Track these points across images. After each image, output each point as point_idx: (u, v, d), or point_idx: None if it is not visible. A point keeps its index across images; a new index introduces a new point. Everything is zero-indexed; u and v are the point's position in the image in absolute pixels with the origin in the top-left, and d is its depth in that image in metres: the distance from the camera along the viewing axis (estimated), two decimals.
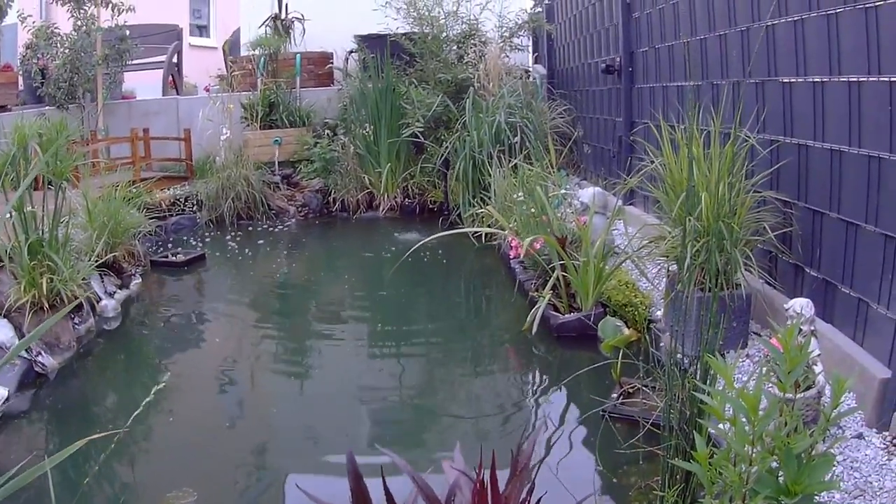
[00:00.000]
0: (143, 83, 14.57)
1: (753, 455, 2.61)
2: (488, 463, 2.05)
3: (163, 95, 14.05)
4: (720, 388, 2.91)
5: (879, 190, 4.32)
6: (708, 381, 3.21)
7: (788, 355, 2.65)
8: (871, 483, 3.61)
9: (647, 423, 4.12)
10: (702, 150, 5.32)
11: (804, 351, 2.69)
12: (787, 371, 2.66)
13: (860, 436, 4.03)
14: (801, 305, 4.23)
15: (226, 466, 4.43)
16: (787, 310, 4.28)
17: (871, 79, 4.37)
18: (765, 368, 3.51)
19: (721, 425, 2.78)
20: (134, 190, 8.56)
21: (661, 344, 5.23)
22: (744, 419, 2.62)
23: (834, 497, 3.50)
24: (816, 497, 2.69)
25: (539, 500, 2.01)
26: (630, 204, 8.85)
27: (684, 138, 5.43)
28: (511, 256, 7.38)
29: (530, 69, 12.96)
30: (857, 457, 3.84)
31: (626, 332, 5.51)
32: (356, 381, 5.79)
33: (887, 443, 3.94)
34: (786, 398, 2.88)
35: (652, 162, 5.90)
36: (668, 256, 5.66)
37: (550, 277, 6.27)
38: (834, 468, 3.72)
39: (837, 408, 2.71)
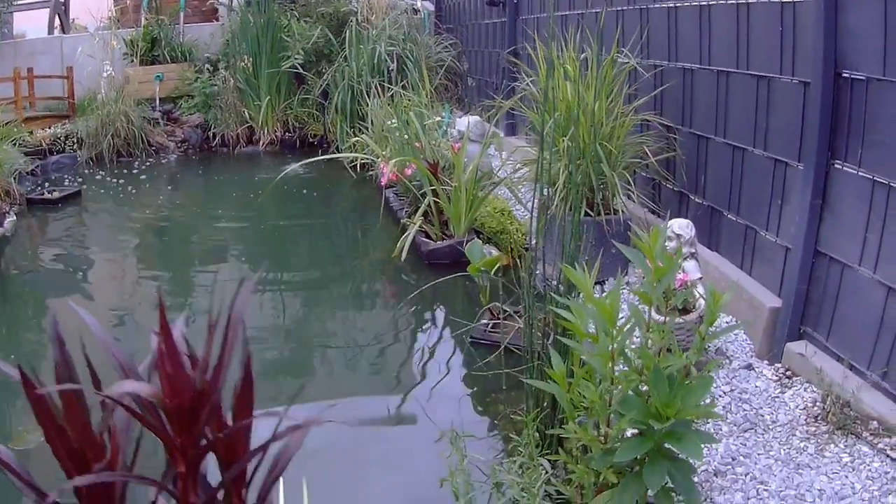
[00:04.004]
0: (35, 27, 14.15)
1: (616, 374, 2.30)
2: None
3: (49, 35, 13.47)
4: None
5: (769, 112, 4.11)
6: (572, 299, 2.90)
7: (654, 263, 2.33)
8: (762, 416, 3.40)
9: (504, 344, 3.96)
10: (579, 72, 5.05)
11: (673, 263, 2.38)
12: (653, 283, 2.34)
13: (749, 367, 3.84)
14: (679, 226, 4.01)
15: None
16: (665, 231, 4.03)
17: None
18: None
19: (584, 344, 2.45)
20: (13, 129, 8.27)
21: (537, 271, 4.97)
22: (605, 335, 2.29)
23: (721, 429, 3.29)
24: (696, 425, 2.39)
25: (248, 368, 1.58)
26: (512, 135, 8.65)
27: (560, 58, 5.17)
28: (384, 184, 7.05)
29: (418, 5, 12.59)
30: (747, 388, 3.64)
31: (494, 253, 5.21)
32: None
33: (780, 374, 3.74)
34: (657, 317, 2.57)
35: (528, 84, 5.61)
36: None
37: (422, 204, 6.02)
38: (718, 398, 3.52)
39: (713, 324, 2.41)
